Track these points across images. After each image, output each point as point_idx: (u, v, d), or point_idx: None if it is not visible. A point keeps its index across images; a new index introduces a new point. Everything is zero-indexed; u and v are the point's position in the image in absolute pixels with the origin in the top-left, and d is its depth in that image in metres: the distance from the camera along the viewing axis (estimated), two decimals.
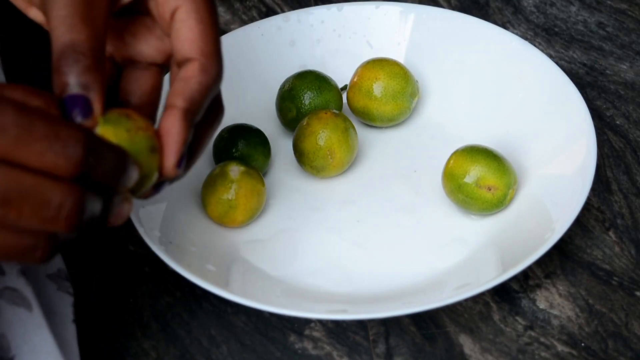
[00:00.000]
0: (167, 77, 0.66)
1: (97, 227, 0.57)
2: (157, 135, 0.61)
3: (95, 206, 0.56)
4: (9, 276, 0.67)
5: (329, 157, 0.83)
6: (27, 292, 0.66)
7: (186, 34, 0.62)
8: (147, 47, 0.66)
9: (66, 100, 0.58)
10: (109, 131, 0.59)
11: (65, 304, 0.71)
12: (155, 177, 0.61)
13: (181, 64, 0.63)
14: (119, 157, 0.57)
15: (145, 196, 0.64)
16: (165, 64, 0.67)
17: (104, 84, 0.59)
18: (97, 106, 0.59)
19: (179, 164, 0.61)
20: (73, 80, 0.58)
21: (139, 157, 0.59)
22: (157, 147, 0.60)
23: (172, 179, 0.63)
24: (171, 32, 0.63)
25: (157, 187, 0.63)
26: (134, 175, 0.58)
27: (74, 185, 0.55)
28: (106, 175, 0.56)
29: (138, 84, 0.66)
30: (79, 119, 0.58)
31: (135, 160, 0.58)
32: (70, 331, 0.70)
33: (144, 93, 0.66)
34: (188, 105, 0.61)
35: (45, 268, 0.71)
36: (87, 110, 0.58)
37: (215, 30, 0.63)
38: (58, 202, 0.54)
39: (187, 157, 0.64)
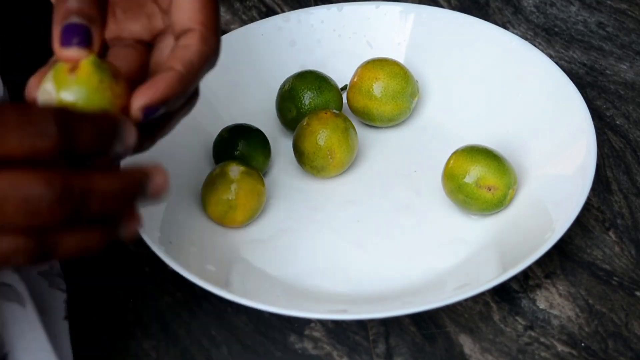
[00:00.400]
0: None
1: (109, 213, 0.55)
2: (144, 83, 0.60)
3: (89, 191, 0.53)
4: (3, 272, 0.66)
5: (329, 157, 0.83)
6: (21, 288, 0.66)
7: (187, 5, 0.62)
8: (137, 24, 0.66)
9: (67, 27, 0.58)
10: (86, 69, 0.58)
11: (57, 300, 0.70)
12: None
13: (180, 35, 0.62)
14: (100, 121, 0.55)
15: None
16: (152, 43, 0.67)
17: (104, 25, 0.59)
18: (96, 40, 0.58)
19: (147, 110, 0.60)
20: (75, 6, 0.58)
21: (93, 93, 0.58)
22: (119, 77, 0.59)
23: (132, 148, 0.59)
24: (172, 4, 0.63)
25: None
26: (130, 135, 0.55)
27: (56, 174, 0.52)
28: (92, 145, 0.54)
29: (125, 61, 0.65)
30: (76, 46, 0.57)
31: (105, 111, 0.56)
32: (63, 328, 0.70)
33: (131, 70, 0.65)
34: (185, 71, 0.61)
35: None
36: (87, 40, 0.58)
37: (216, 4, 0.63)
38: (38, 194, 0.52)
39: (151, 133, 0.63)
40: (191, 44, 0.62)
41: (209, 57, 0.62)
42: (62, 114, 0.53)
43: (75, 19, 0.58)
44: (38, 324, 0.66)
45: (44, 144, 0.52)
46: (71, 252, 0.55)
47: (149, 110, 0.60)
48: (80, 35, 0.58)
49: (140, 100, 0.60)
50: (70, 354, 0.69)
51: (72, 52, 0.58)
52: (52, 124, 0.53)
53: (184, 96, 0.62)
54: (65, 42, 0.58)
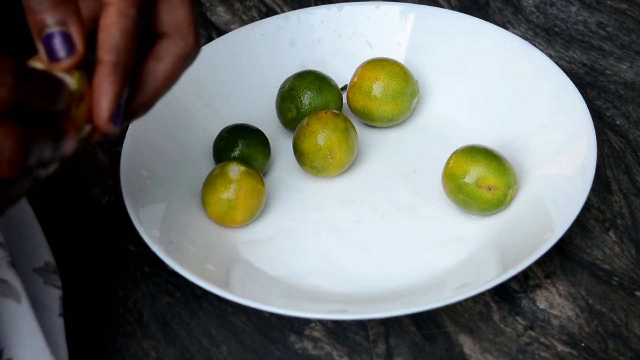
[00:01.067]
0: None
1: (48, 165, 0.56)
2: (90, 92, 0.59)
3: (41, 144, 0.54)
4: None
5: (329, 157, 0.83)
6: (16, 283, 0.66)
7: None
8: None
9: (46, 40, 0.57)
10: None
11: (52, 297, 0.70)
12: (87, 128, 0.59)
13: (102, 8, 0.61)
14: (49, 80, 0.55)
15: (95, 139, 0.61)
16: None
17: (80, 16, 0.58)
18: (78, 40, 0.57)
19: (112, 119, 0.59)
20: (48, 19, 0.57)
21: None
22: (84, 96, 0.59)
23: (112, 134, 0.60)
24: None
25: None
26: (64, 97, 0.56)
27: (14, 125, 0.53)
28: (41, 100, 0.54)
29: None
30: (63, 56, 0.57)
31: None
32: (57, 325, 0.70)
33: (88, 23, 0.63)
34: (114, 58, 0.59)
35: (30, 261, 0.71)
36: (70, 47, 0.57)
37: None
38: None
39: (128, 110, 0.62)
40: (110, 25, 0.60)
41: (131, 29, 0.60)
42: (21, 65, 0.53)
43: (51, 29, 0.57)
44: (33, 320, 0.66)
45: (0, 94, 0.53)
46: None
47: (115, 117, 0.59)
48: (63, 46, 0.58)
49: (103, 115, 0.59)
50: (65, 351, 0.69)
51: (63, 64, 0.58)
52: (8, 73, 0.53)
53: (130, 74, 0.60)
54: (53, 58, 0.58)
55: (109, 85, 0.59)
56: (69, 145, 0.57)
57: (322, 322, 0.76)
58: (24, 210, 0.72)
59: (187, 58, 0.63)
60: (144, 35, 0.62)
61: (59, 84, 0.56)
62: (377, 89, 0.86)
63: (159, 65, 0.62)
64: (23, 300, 0.66)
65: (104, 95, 0.59)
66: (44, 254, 0.72)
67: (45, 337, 0.66)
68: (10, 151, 0.53)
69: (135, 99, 0.62)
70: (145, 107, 0.62)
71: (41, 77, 0.55)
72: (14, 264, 0.67)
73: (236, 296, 0.72)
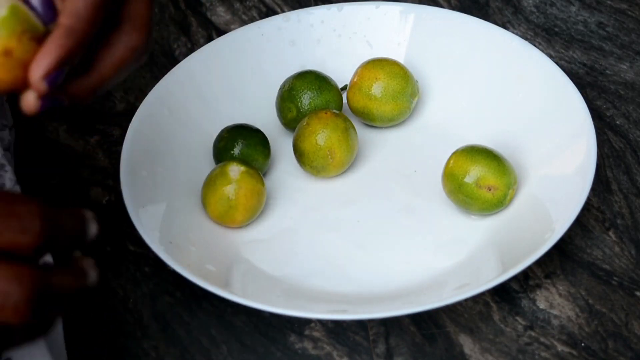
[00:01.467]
0: None
1: (71, 300, 0.55)
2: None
3: (60, 285, 0.54)
4: None
5: (329, 157, 0.83)
6: None
7: None
8: None
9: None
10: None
11: None
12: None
13: None
14: (78, 217, 0.55)
15: (29, 108, 0.60)
16: None
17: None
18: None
19: (48, 78, 0.58)
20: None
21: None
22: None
23: (59, 99, 0.60)
24: None
25: (46, 101, 0.60)
26: (93, 229, 0.56)
27: (28, 269, 0.52)
28: (67, 242, 0.54)
29: None
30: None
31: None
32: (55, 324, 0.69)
33: None
34: (71, 22, 0.59)
35: None
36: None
37: None
38: (6, 291, 0.51)
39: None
40: None
41: (98, 2, 0.60)
42: (47, 212, 0.53)
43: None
44: None
45: (24, 239, 0.52)
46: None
47: (51, 77, 0.59)
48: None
49: (38, 71, 0.59)
50: (63, 350, 0.69)
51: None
52: (36, 220, 0.53)
53: (84, 46, 0.60)
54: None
55: (56, 47, 0.58)
56: (93, 277, 0.56)
57: (322, 322, 0.76)
58: None
59: (135, 51, 0.62)
60: (111, 20, 0.62)
61: (86, 218, 0.56)
62: (377, 89, 0.86)
63: (108, 52, 0.62)
64: None
65: (47, 55, 0.58)
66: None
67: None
68: (16, 297, 0.52)
69: (81, 81, 0.61)
70: (89, 91, 0.62)
71: (70, 218, 0.54)
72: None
73: (236, 296, 0.72)
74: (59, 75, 0.59)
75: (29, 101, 0.60)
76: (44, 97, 0.60)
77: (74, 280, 0.55)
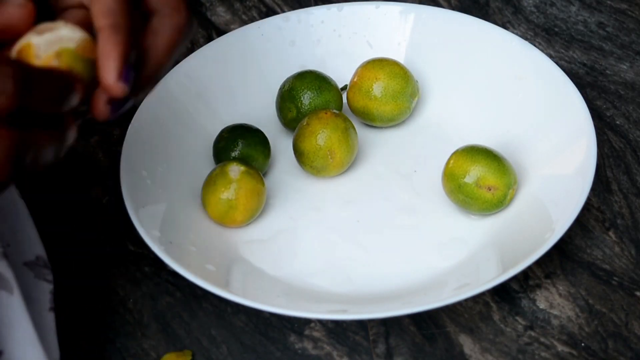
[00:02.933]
0: None
1: (50, 160, 0.56)
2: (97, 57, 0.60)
3: (40, 146, 0.55)
4: None
5: (329, 157, 0.83)
6: (9, 274, 0.66)
7: None
8: None
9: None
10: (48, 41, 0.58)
11: (42, 291, 0.70)
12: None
13: None
14: (58, 80, 0.55)
15: (104, 116, 0.61)
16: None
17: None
18: None
19: (122, 77, 0.59)
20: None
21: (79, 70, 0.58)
22: (93, 59, 0.59)
23: (128, 98, 0.61)
24: None
25: (116, 105, 0.61)
26: (76, 96, 0.56)
27: (6, 131, 0.53)
28: (48, 104, 0.54)
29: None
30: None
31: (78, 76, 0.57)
32: (48, 319, 0.69)
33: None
34: (111, 20, 0.59)
35: (22, 255, 0.71)
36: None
37: None
38: None
39: (136, 71, 0.62)
40: None
41: None
42: (21, 72, 0.53)
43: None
44: (25, 312, 0.66)
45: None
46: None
47: (124, 76, 0.59)
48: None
49: (111, 74, 0.59)
50: (56, 346, 0.69)
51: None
52: (10, 81, 0.53)
53: (132, 38, 0.60)
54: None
55: (113, 45, 0.59)
56: (70, 138, 0.57)
57: (322, 322, 0.76)
58: (16, 204, 0.72)
59: (183, 29, 0.63)
60: (137, 12, 0.62)
61: (70, 82, 0.56)
62: (377, 89, 0.86)
63: (158, 39, 0.62)
64: (15, 292, 0.66)
65: (110, 56, 0.59)
66: (36, 248, 0.72)
67: (37, 331, 0.66)
68: None
69: (141, 73, 0.62)
70: (151, 80, 0.62)
71: (47, 78, 0.55)
72: (6, 256, 0.67)
73: (236, 296, 0.72)
74: (129, 72, 0.60)
75: (101, 108, 0.60)
76: (114, 101, 0.60)
77: (51, 139, 0.56)
